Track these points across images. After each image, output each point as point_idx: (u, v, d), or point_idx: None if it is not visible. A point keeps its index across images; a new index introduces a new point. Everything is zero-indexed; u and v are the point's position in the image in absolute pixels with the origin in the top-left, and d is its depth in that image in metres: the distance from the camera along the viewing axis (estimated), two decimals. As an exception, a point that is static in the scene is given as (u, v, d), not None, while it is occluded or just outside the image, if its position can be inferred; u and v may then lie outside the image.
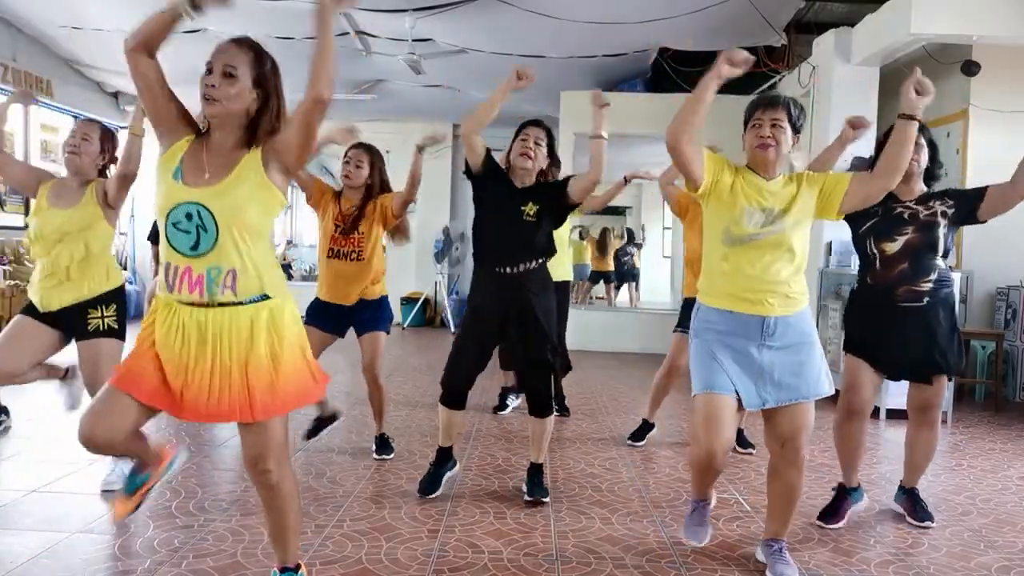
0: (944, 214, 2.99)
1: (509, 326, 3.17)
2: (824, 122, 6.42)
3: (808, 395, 2.48)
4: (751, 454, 4.16)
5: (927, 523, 3.10)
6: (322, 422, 3.83)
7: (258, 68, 2.02)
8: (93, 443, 1.96)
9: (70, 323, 3.15)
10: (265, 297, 2.01)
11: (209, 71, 1.97)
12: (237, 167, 1.99)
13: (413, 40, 7.00)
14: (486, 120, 3.12)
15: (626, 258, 12.59)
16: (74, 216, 3.10)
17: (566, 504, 3.24)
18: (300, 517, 2.24)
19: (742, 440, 4.26)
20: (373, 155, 3.77)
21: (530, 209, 3.15)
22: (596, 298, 12.87)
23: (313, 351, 3.69)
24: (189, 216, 1.95)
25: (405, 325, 10.22)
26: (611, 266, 12.29)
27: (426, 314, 10.55)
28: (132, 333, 2.54)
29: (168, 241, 1.97)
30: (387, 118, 10.34)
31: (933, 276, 2.97)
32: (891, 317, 2.99)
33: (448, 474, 3.34)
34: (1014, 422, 5.29)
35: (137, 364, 1.99)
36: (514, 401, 5.12)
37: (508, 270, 3.15)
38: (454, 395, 3.24)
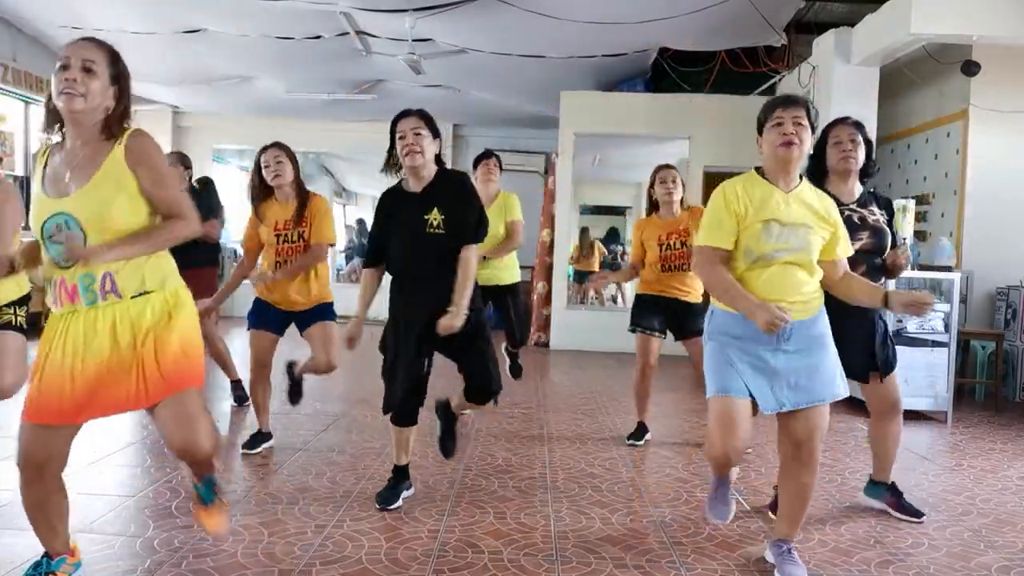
0: (887, 223, 3.07)
1: (428, 333, 2.94)
2: (824, 122, 6.41)
3: (824, 397, 2.47)
4: (750, 453, 4.16)
5: (920, 518, 3.12)
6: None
7: (115, 67, 2.03)
8: (38, 463, 2.05)
9: None
10: (146, 292, 2.05)
11: (65, 67, 1.96)
12: (100, 170, 2.01)
13: (413, 40, 7.00)
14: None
15: (610, 257, 12.64)
16: None
17: (566, 504, 3.24)
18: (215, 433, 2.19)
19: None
20: (287, 150, 3.76)
21: (435, 218, 2.92)
22: (593, 298, 12.87)
23: (267, 352, 3.75)
24: (59, 227, 1.97)
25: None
26: (595, 267, 12.28)
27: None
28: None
29: (48, 255, 2.01)
30: (387, 118, 10.25)
31: (880, 278, 3.04)
32: (840, 319, 2.91)
33: (405, 493, 3.16)
34: (1014, 422, 5.29)
35: (39, 392, 2.03)
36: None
37: (422, 284, 2.97)
38: (407, 414, 3.08)
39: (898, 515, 3.17)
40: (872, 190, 3.18)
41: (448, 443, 3.34)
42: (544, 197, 9.20)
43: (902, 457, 4.21)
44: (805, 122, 2.44)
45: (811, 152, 3.10)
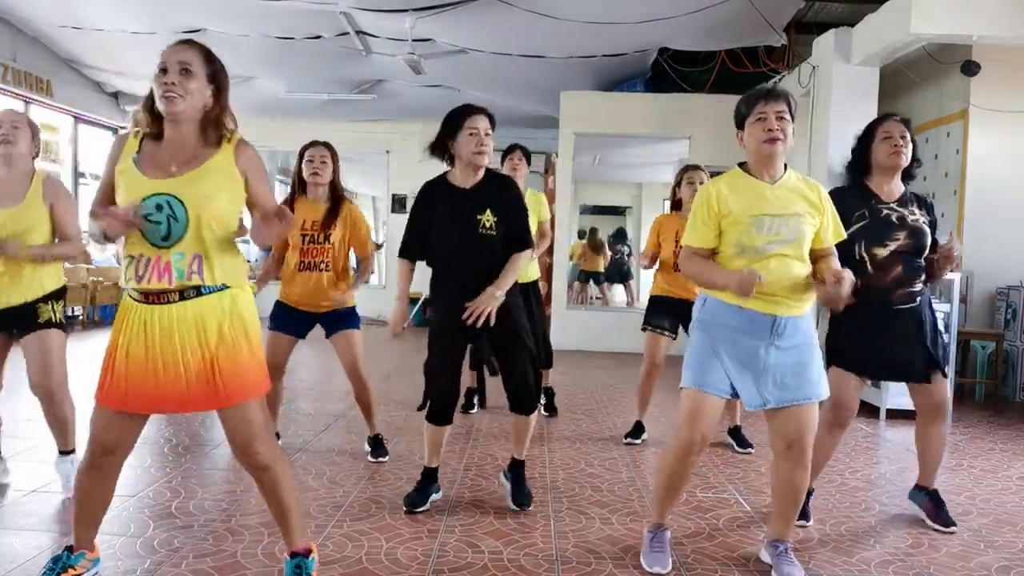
0: (927, 224, 3.00)
1: (476, 328, 2.95)
2: (824, 122, 6.42)
3: (810, 396, 2.47)
4: (750, 454, 4.17)
5: (951, 528, 3.06)
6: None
7: (211, 66, 2.07)
8: (107, 448, 2.12)
9: (20, 320, 3.01)
10: (225, 287, 2.09)
11: (164, 70, 2.01)
12: (208, 161, 2.06)
13: (413, 40, 7.01)
14: None
15: (618, 256, 12.62)
16: (19, 215, 2.96)
17: (566, 504, 3.24)
18: (299, 497, 2.29)
19: (741, 440, 4.26)
20: (332, 151, 3.72)
21: (487, 219, 2.92)
22: (595, 298, 12.88)
23: (282, 355, 3.71)
24: (159, 207, 2.00)
25: (405, 325, 10.19)
26: (601, 266, 12.29)
27: (425, 314, 10.56)
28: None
29: (140, 232, 2.02)
30: (387, 118, 10.33)
31: (922, 276, 2.98)
32: (886, 319, 2.95)
33: (434, 496, 3.15)
34: (1014, 422, 5.29)
35: (112, 378, 2.07)
36: (478, 403, 5.07)
37: (470, 282, 2.93)
38: (445, 412, 3.05)
39: (932, 524, 3.11)
40: (913, 190, 3.09)
41: (518, 492, 3.17)
42: (544, 197, 9.20)
43: (901, 457, 4.22)
44: (788, 116, 2.45)
45: (853, 148, 3.08)
